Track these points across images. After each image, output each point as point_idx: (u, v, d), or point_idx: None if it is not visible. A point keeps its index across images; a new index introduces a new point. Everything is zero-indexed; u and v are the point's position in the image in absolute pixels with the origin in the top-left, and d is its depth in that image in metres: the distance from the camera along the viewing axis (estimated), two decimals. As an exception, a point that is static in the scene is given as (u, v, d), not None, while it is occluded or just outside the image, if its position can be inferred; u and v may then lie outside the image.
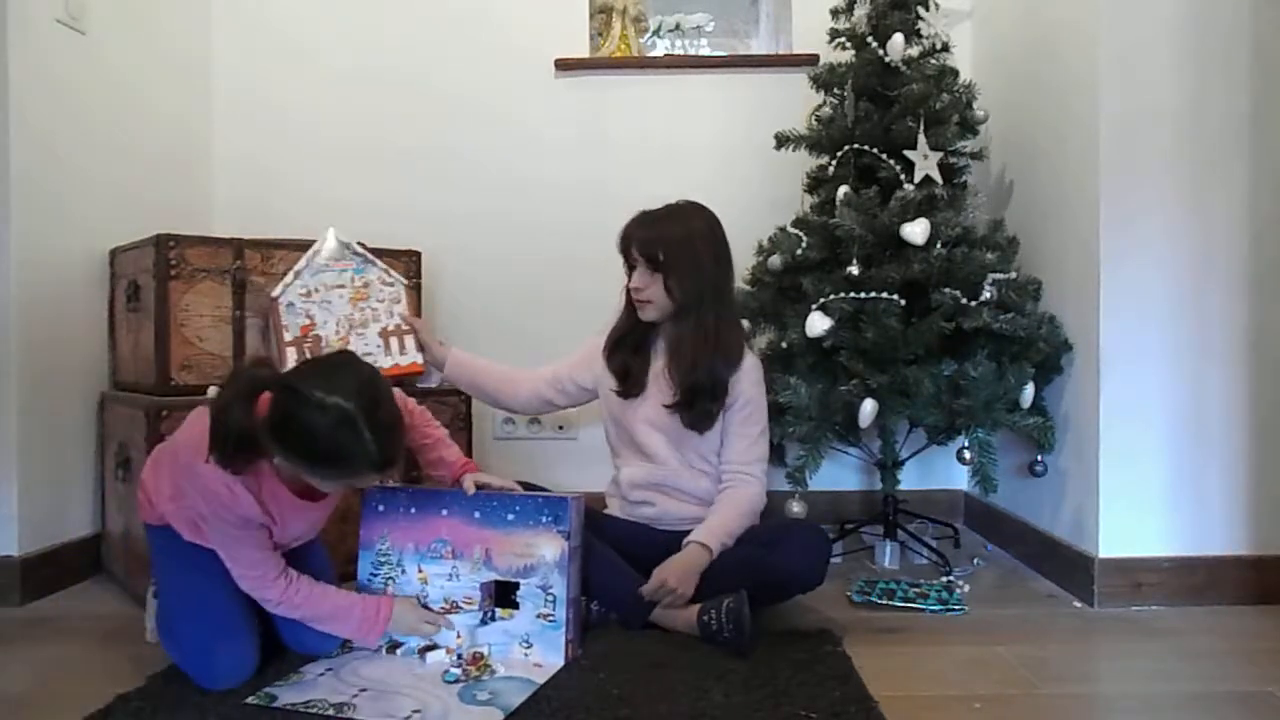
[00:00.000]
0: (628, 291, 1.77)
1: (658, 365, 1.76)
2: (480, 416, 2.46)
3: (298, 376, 1.25)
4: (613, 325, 1.83)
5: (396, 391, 1.54)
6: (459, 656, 1.45)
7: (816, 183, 2.20)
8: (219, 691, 1.33)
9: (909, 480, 2.29)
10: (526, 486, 1.60)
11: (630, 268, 1.75)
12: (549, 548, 1.48)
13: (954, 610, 1.74)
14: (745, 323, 2.12)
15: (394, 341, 1.85)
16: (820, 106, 2.24)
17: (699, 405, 1.69)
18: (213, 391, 1.82)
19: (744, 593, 1.49)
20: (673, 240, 1.69)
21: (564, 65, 2.53)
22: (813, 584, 1.62)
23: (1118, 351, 1.79)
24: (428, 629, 1.48)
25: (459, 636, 1.49)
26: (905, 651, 1.54)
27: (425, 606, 1.52)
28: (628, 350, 1.79)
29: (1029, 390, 1.89)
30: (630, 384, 1.76)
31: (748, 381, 1.73)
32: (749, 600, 1.48)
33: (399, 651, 1.47)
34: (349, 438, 1.22)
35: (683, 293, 1.69)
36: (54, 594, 1.87)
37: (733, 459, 1.72)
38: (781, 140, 2.20)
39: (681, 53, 2.75)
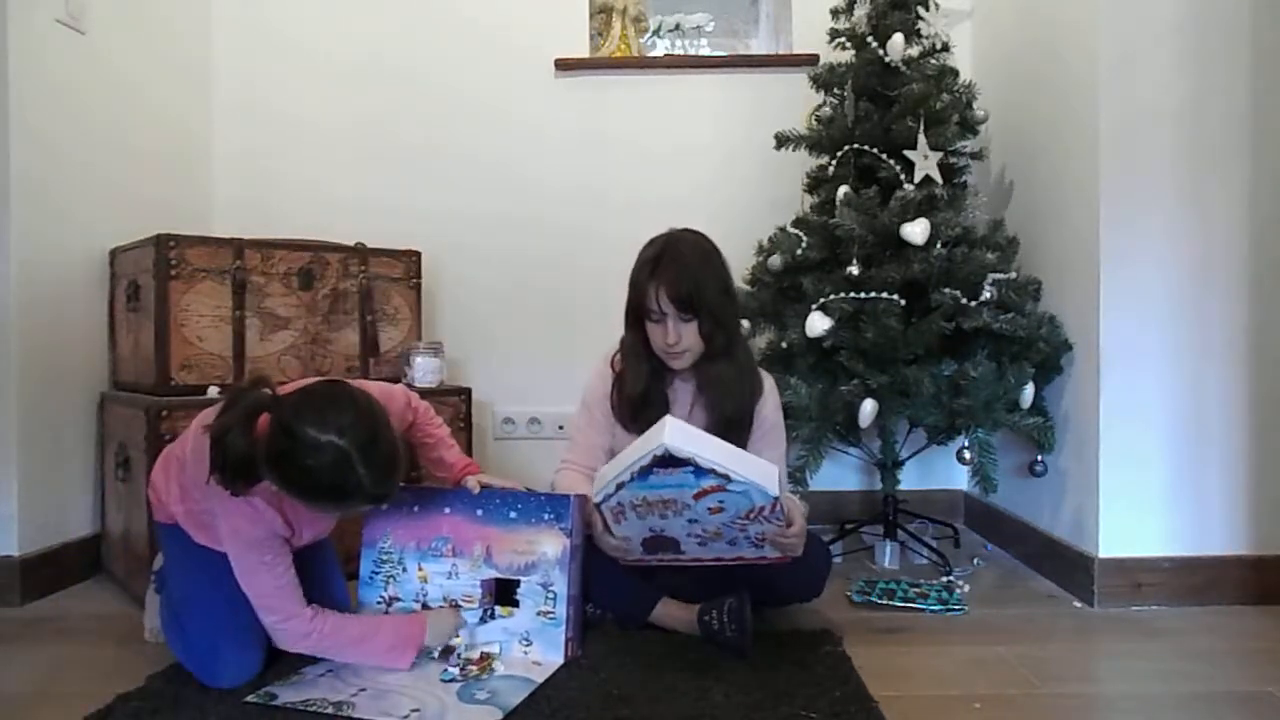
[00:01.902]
0: (637, 348, 1.64)
1: (681, 410, 1.65)
2: (481, 416, 2.47)
3: (293, 412, 1.22)
4: (615, 387, 1.67)
5: (399, 388, 1.54)
6: (457, 655, 1.45)
7: (816, 183, 2.20)
8: (219, 690, 1.33)
9: (909, 480, 2.29)
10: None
11: (646, 320, 1.61)
12: (550, 545, 1.48)
13: (954, 610, 1.74)
14: (745, 323, 2.12)
15: None
16: (820, 106, 2.24)
17: (733, 440, 1.55)
18: (213, 392, 1.84)
19: (745, 593, 1.49)
20: (705, 283, 1.57)
21: (564, 65, 2.53)
22: (813, 596, 1.63)
23: (1118, 351, 1.79)
24: (461, 623, 1.48)
25: (458, 635, 1.49)
26: (905, 651, 1.54)
27: (425, 606, 1.52)
28: (656, 409, 1.61)
29: (1029, 390, 1.89)
30: None
31: (770, 406, 1.68)
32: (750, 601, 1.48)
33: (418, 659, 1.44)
34: (345, 476, 1.21)
35: (718, 334, 1.59)
36: (54, 594, 1.87)
37: None
38: (781, 140, 2.20)
39: (681, 53, 2.75)
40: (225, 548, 1.35)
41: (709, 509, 1.35)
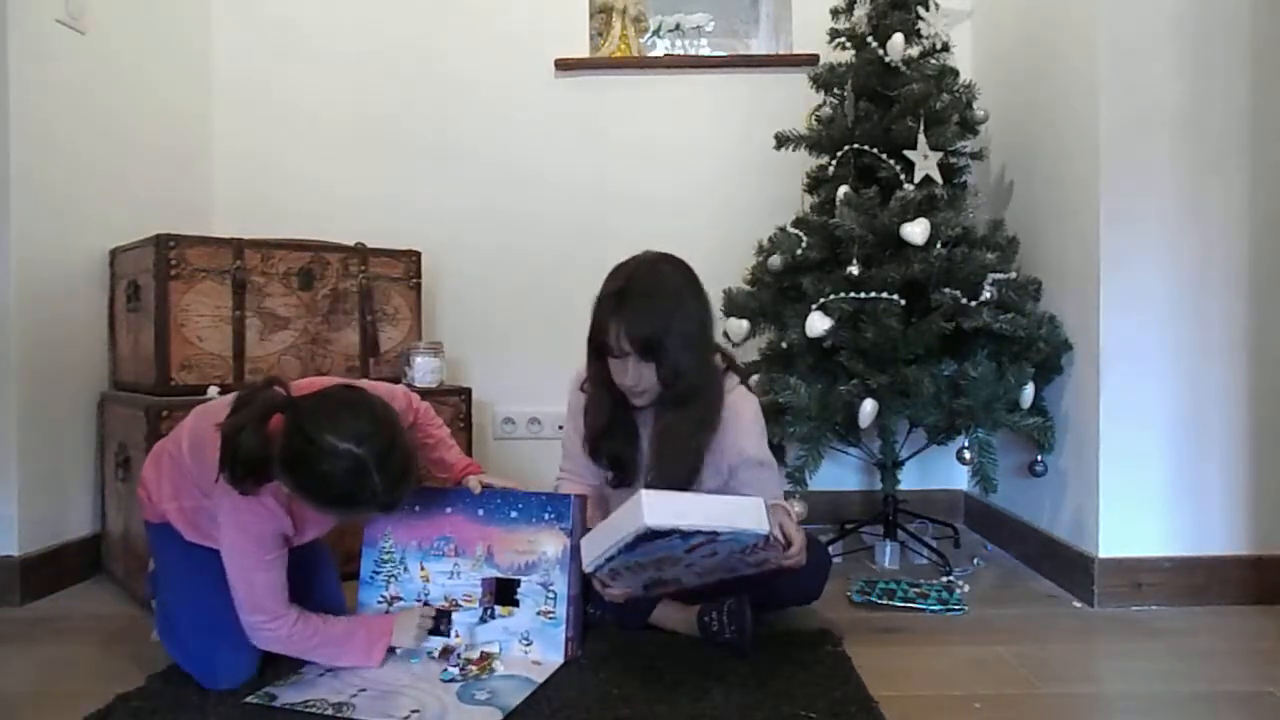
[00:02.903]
0: (600, 378, 1.56)
1: (647, 440, 1.60)
2: (481, 416, 2.47)
3: (309, 415, 1.22)
4: (583, 419, 1.61)
5: (400, 389, 1.54)
6: (457, 655, 1.45)
7: (816, 183, 2.20)
8: (219, 691, 1.33)
9: (909, 480, 2.29)
10: None
11: (607, 357, 1.51)
12: (551, 544, 1.49)
13: (954, 610, 1.74)
14: (745, 323, 2.12)
15: None
16: (820, 106, 2.24)
17: (695, 476, 1.55)
18: (213, 391, 1.84)
19: (745, 594, 1.49)
20: (670, 327, 1.45)
21: (564, 65, 2.53)
22: (812, 599, 1.64)
23: (1118, 351, 1.79)
24: (428, 624, 1.48)
25: (457, 635, 1.49)
26: (905, 651, 1.54)
27: (426, 604, 1.52)
28: (619, 440, 1.59)
29: (1029, 390, 1.89)
30: (626, 471, 1.59)
31: (751, 439, 1.57)
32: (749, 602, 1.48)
33: (415, 660, 1.44)
34: (359, 484, 1.21)
35: (678, 376, 1.48)
36: (54, 594, 1.87)
37: None
38: (781, 140, 2.20)
39: (681, 53, 2.75)
40: (223, 544, 1.33)
41: (703, 556, 1.35)
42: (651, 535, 1.25)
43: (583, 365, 1.63)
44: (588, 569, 1.36)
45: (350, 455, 1.19)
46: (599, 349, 1.52)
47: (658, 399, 1.55)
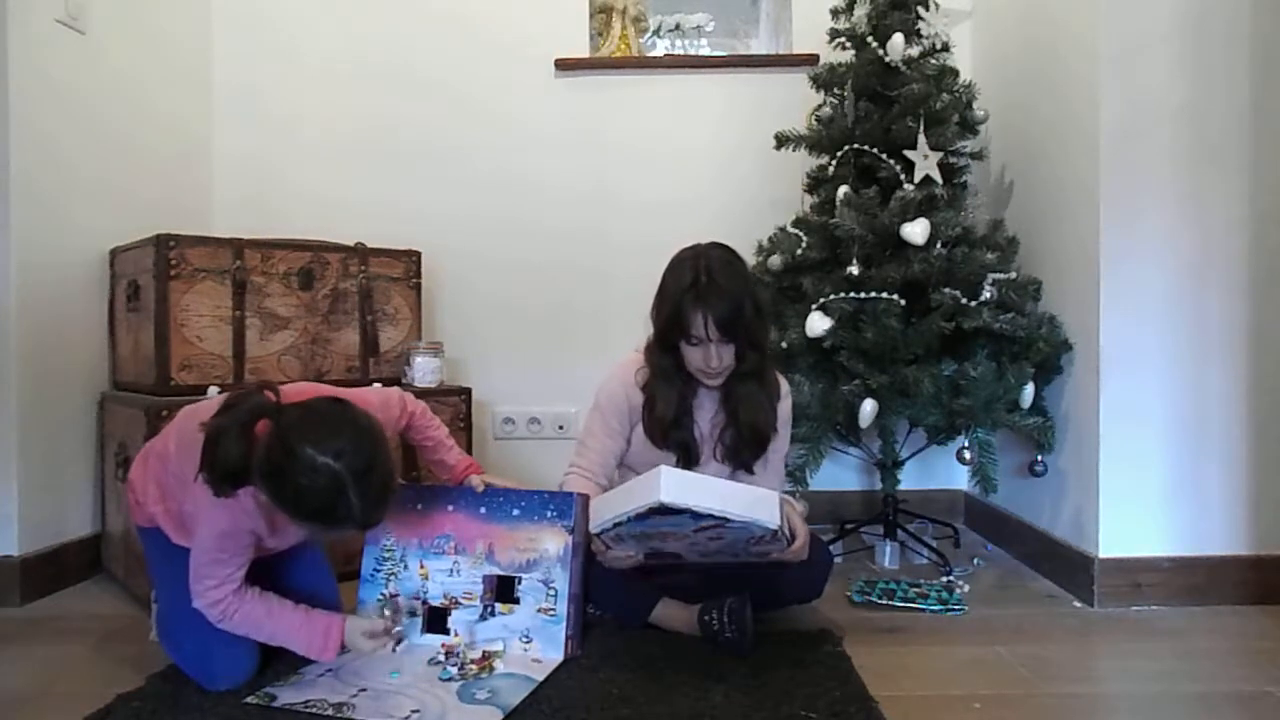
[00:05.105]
0: (668, 370, 1.61)
1: (706, 420, 1.65)
2: (481, 416, 2.47)
3: (293, 428, 1.20)
4: (645, 409, 1.63)
5: (395, 392, 1.54)
6: (457, 654, 1.44)
7: (816, 183, 2.20)
8: (219, 692, 1.33)
9: (909, 480, 2.29)
10: None
11: (683, 343, 1.56)
12: (553, 542, 1.49)
13: (954, 610, 1.74)
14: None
15: None
16: (820, 106, 2.24)
17: (761, 451, 1.64)
18: (213, 391, 1.84)
19: (746, 593, 1.50)
20: (744, 306, 1.54)
21: (564, 65, 2.53)
22: (813, 597, 1.65)
23: (1118, 351, 1.79)
24: (383, 639, 1.43)
25: (456, 634, 1.49)
26: (905, 651, 1.54)
27: (425, 603, 1.52)
28: (686, 428, 1.63)
29: (1029, 390, 1.90)
30: (690, 456, 1.63)
31: (784, 408, 1.69)
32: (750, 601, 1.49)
33: (428, 661, 1.44)
34: (336, 501, 1.19)
35: (751, 355, 1.59)
36: (54, 594, 1.87)
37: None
38: (781, 140, 2.20)
39: (681, 53, 2.76)
40: (194, 530, 1.32)
41: (709, 538, 1.37)
42: (664, 510, 1.28)
43: (624, 365, 1.67)
44: (594, 530, 1.39)
45: (328, 471, 1.18)
46: (674, 337, 1.57)
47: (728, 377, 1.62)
